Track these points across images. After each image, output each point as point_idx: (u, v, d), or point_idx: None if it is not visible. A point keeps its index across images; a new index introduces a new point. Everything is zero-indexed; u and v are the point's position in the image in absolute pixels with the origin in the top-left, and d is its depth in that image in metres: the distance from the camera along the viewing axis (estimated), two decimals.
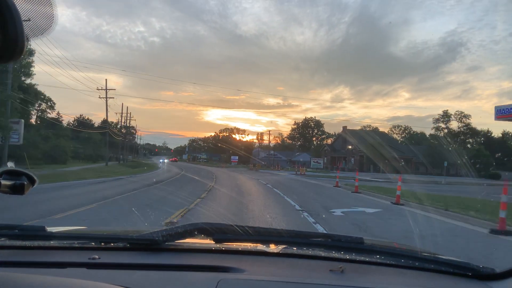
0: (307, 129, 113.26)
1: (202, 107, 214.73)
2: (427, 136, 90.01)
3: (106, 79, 62.97)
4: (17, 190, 1.09)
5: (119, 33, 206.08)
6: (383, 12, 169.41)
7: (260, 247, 1.64)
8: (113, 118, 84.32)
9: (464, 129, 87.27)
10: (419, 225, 8.84)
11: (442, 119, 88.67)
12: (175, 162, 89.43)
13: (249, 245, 1.65)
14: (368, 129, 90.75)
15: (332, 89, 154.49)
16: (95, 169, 36.76)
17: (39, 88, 50.82)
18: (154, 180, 22.78)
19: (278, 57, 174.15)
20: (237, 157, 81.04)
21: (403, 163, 63.30)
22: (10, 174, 1.11)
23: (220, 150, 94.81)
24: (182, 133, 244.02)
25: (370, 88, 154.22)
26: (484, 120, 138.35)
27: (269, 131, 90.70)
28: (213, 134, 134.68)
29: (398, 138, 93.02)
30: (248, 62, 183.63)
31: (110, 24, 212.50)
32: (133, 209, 9.54)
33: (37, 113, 61.88)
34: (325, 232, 7.08)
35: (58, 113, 68.86)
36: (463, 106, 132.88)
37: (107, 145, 51.03)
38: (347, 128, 75.79)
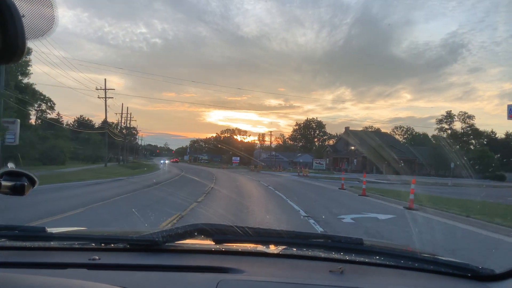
0: (309, 130, 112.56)
1: (204, 108, 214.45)
2: (430, 137, 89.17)
3: (105, 79, 61.80)
4: (17, 191, 1.10)
5: (121, 34, 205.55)
6: (385, 13, 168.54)
7: (260, 248, 1.63)
8: (113, 119, 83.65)
9: (467, 130, 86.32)
10: (440, 234, 7.93)
11: (445, 120, 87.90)
12: (176, 163, 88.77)
13: (249, 246, 1.65)
14: (370, 130, 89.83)
15: (334, 90, 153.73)
16: (92, 170, 35.98)
17: (41, 89, 50.52)
18: (151, 182, 22.04)
19: (280, 58, 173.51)
20: (238, 158, 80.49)
21: (403, 164, 62.40)
22: (10, 175, 1.11)
23: (222, 151, 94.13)
24: (184, 134, 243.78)
25: (371, 89, 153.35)
26: (486, 121, 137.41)
27: (271, 132, 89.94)
28: (214, 135, 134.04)
29: (400, 139, 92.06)
30: (250, 63, 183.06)
31: (112, 25, 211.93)
32: (132, 211, 8.65)
33: (37, 114, 61.44)
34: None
35: (58, 114, 68.46)
36: (464, 107, 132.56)
37: (106, 145, 50.12)
38: (349, 129, 74.90)
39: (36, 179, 1.15)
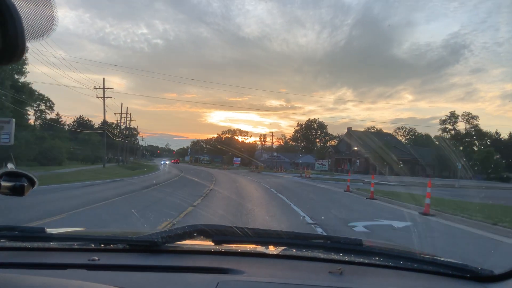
0: (310, 131, 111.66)
1: (205, 109, 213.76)
2: (432, 138, 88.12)
3: (103, 78, 60.94)
4: (17, 191, 1.10)
5: (122, 35, 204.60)
6: (386, 14, 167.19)
7: (259, 248, 1.63)
8: (113, 119, 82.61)
9: (471, 130, 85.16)
10: (472, 247, 6.91)
11: (449, 120, 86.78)
12: (177, 164, 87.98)
13: (248, 247, 1.65)
14: (372, 130, 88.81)
15: (335, 91, 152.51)
16: (89, 171, 35.11)
17: (41, 90, 49.65)
18: (147, 183, 21.16)
19: (281, 59, 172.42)
20: (239, 159, 79.75)
21: (406, 165, 61.36)
22: (10, 175, 1.11)
23: (223, 151, 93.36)
24: (185, 134, 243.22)
25: (373, 90, 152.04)
26: (488, 122, 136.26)
27: (272, 132, 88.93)
28: (215, 135, 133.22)
29: (402, 140, 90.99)
30: (251, 64, 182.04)
31: (113, 26, 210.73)
32: (116, 219, 7.69)
33: (36, 114, 60.66)
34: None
35: (57, 114, 67.71)
36: (466, 108, 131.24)
37: (105, 146, 49.15)
38: (351, 129, 73.87)
39: (35, 179, 1.15)
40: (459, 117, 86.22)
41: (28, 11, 0.73)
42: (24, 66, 42.19)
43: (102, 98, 48.19)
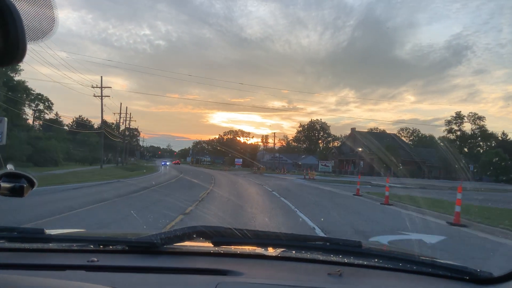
0: (313, 132, 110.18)
1: (207, 110, 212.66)
2: (437, 139, 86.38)
3: (101, 76, 59.91)
4: (16, 192, 1.10)
5: (125, 36, 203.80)
6: (388, 15, 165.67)
7: (258, 250, 1.63)
8: (113, 120, 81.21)
9: (478, 131, 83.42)
10: None
11: (454, 121, 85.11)
12: (177, 165, 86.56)
13: (247, 248, 1.64)
14: (375, 131, 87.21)
15: (337, 92, 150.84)
16: (85, 172, 33.76)
17: (44, 91, 48.29)
18: (141, 186, 19.79)
19: (283, 60, 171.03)
20: (241, 160, 78.41)
21: (412, 166, 59.81)
22: (9, 176, 1.11)
23: (224, 153, 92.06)
24: (187, 135, 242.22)
25: (375, 91, 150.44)
26: (490, 123, 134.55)
27: (274, 133, 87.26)
28: (217, 136, 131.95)
29: (407, 141, 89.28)
30: (253, 65, 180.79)
31: (116, 27, 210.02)
32: None
33: (34, 113, 59.42)
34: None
35: (56, 114, 66.47)
36: (468, 109, 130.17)
37: (102, 146, 47.71)
38: (355, 130, 72.29)
39: (35, 181, 1.14)
40: (465, 118, 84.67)
41: (29, 12, 0.73)
42: (19, 64, 41.02)
43: (100, 97, 46.73)
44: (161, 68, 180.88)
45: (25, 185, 1.11)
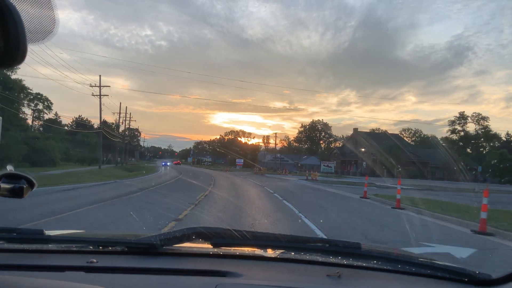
0: (314, 132, 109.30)
1: (208, 110, 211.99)
2: (439, 139, 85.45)
3: (99, 75, 58.86)
4: (16, 193, 1.10)
5: (126, 36, 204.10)
6: (389, 16, 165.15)
7: (257, 251, 1.63)
8: (113, 120, 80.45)
9: (482, 131, 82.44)
10: None
11: (458, 121, 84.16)
12: (178, 165, 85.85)
13: (246, 250, 1.63)
14: (377, 132, 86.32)
15: (338, 92, 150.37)
16: (83, 173, 33.05)
17: (42, 91, 47.56)
18: (138, 186, 19.06)
19: (284, 60, 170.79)
20: (242, 160, 77.63)
21: (415, 167, 58.91)
22: (9, 177, 1.11)
23: (225, 153, 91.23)
24: (188, 136, 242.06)
25: (376, 92, 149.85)
26: (491, 124, 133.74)
27: (275, 134, 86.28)
28: (218, 137, 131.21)
29: (409, 142, 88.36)
30: (254, 65, 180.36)
31: (117, 28, 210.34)
32: None
33: (33, 113, 58.74)
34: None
35: (56, 114, 65.79)
36: (470, 110, 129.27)
37: (101, 146, 46.94)
38: (358, 130, 71.42)
39: (35, 181, 1.14)
40: (469, 118, 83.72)
41: (29, 13, 0.72)
42: (19, 66, 40.29)
43: (99, 96, 45.95)
44: (163, 69, 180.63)
45: (24, 186, 1.11)
